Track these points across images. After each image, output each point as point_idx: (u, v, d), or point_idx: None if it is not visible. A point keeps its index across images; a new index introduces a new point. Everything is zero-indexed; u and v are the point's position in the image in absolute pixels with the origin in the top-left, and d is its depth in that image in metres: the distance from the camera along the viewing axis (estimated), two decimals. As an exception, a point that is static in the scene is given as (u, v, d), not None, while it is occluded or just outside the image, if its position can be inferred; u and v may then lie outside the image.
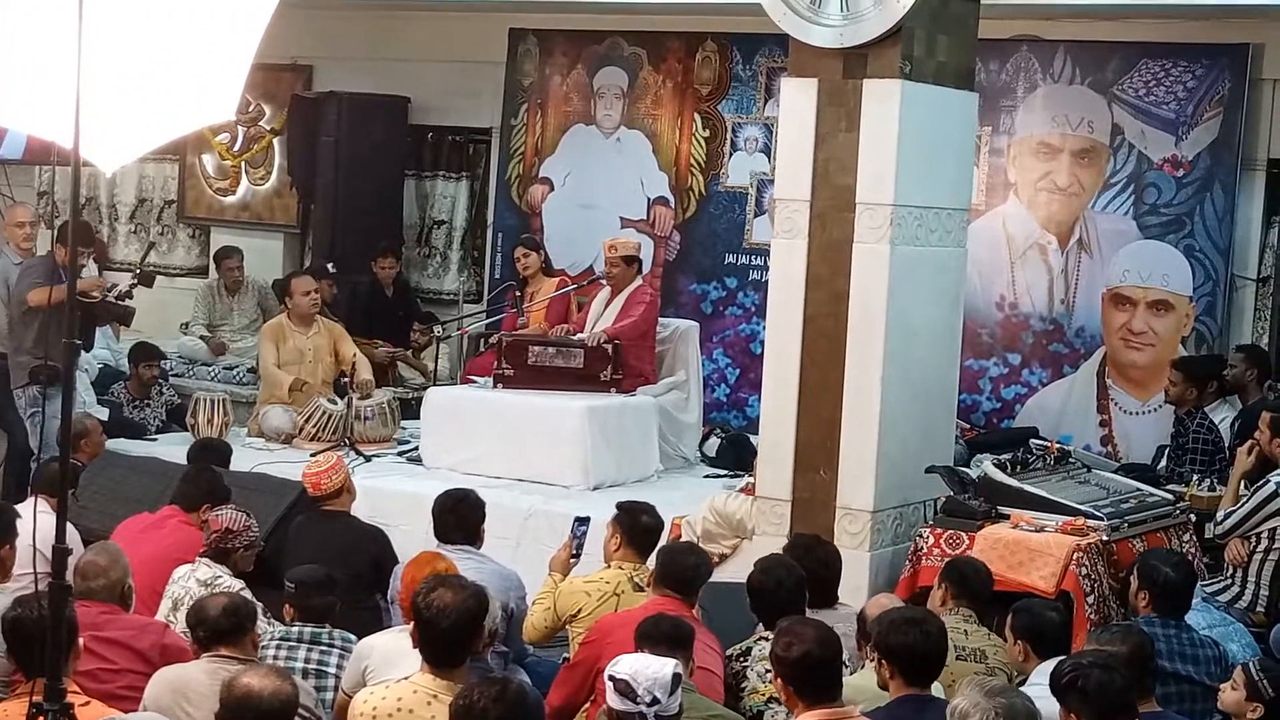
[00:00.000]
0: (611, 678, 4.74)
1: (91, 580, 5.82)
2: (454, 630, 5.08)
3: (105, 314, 10.37)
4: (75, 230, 4.49)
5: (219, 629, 5.43)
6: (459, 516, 7.09)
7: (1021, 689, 5.67)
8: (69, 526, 4.46)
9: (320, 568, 6.41)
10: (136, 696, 5.43)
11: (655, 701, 4.71)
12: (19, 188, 10.47)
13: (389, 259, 12.34)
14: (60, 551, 4.24)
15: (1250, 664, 5.71)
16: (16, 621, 5.11)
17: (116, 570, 5.89)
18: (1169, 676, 6.16)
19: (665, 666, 4.80)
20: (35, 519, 4.59)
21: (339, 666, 6.05)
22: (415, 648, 5.15)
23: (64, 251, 9.77)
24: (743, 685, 5.99)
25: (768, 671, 5.85)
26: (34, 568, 4.39)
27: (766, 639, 5.98)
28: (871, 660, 5.86)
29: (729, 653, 6.13)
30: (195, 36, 4.11)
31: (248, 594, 6.48)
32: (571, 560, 7.16)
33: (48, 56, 4.03)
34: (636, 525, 6.90)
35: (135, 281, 10.30)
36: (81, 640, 5.10)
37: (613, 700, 4.75)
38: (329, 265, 12.16)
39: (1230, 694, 5.68)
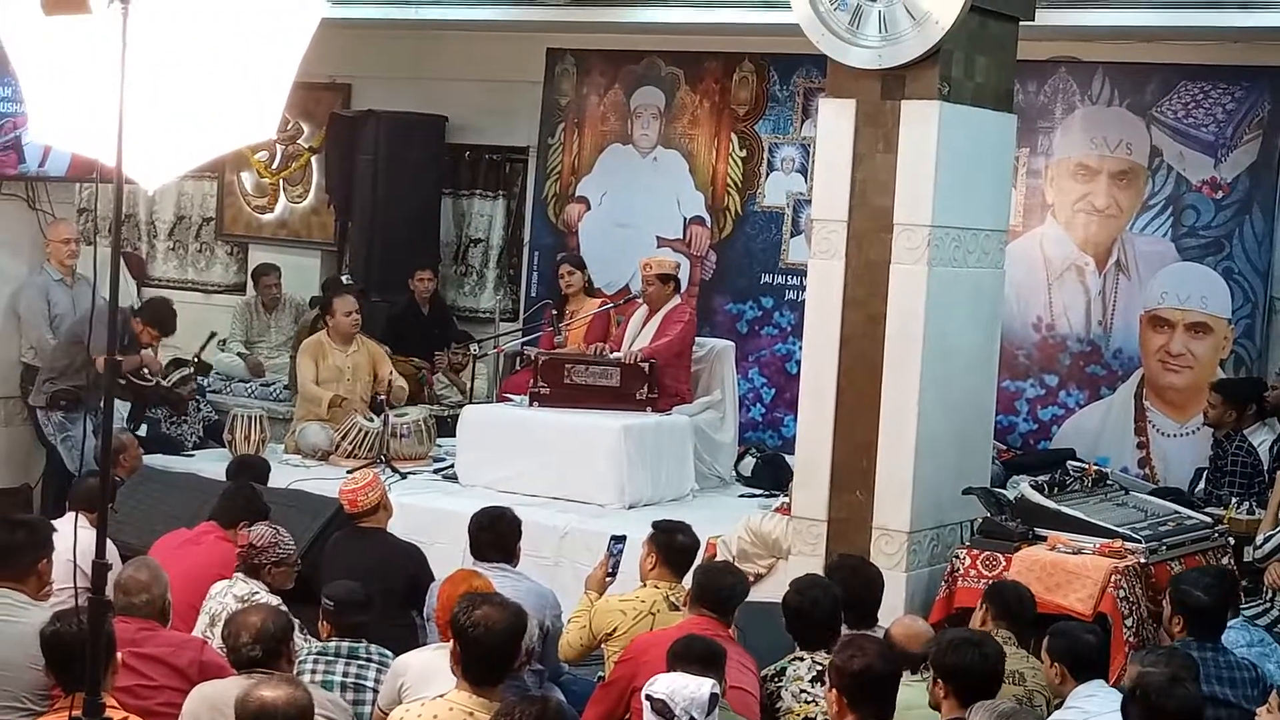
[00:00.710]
0: (649, 697, 4.74)
1: (135, 596, 5.84)
2: (499, 648, 5.09)
3: (156, 399, 10.42)
4: (116, 246, 4.53)
5: (252, 658, 5.43)
6: (495, 535, 7.11)
7: (1058, 712, 5.68)
8: (108, 542, 4.49)
9: (359, 586, 6.42)
10: (174, 713, 5.44)
11: (692, 721, 4.72)
12: (59, 204, 10.49)
13: (426, 273, 12.38)
14: (100, 567, 4.27)
15: None
16: (56, 636, 5.14)
17: (159, 586, 5.91)
18: (1206, 700, 6.12)
19: (703, 686, 4.80)
20: (75, 534, 4.61)
21: (377, 680, 6.05)
22: (455, 665, 5.14)
23: (143, 328, 10.07)
24: (778, 705, 5.98)
25: (802, 692, 5.87)
26: (74, 583, 4.42)
27: (801, 659, 5.99)
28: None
29: (764, 673, 6.12)
30: (237, 57, 4.15)
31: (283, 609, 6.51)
32: (607, 579, 7.16)
33: (92, 77, 4.07)
34: (672, 545, 6.91)
35: (192, 371, 10.28)
36: (120, 655, 5.11)
37: (650, 720, 4.75)
38: (344, 279, 12.20)
39: (1267, 718, 5.64)
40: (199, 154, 4.32)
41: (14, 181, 10.17)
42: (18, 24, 4.15)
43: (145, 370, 10.15)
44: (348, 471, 9.25)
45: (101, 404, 4.77)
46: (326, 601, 6.29)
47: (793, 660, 6.09)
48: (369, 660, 6.14)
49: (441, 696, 5.13)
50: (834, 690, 5.12)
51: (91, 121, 4.11)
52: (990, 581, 7.12)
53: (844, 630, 6.17)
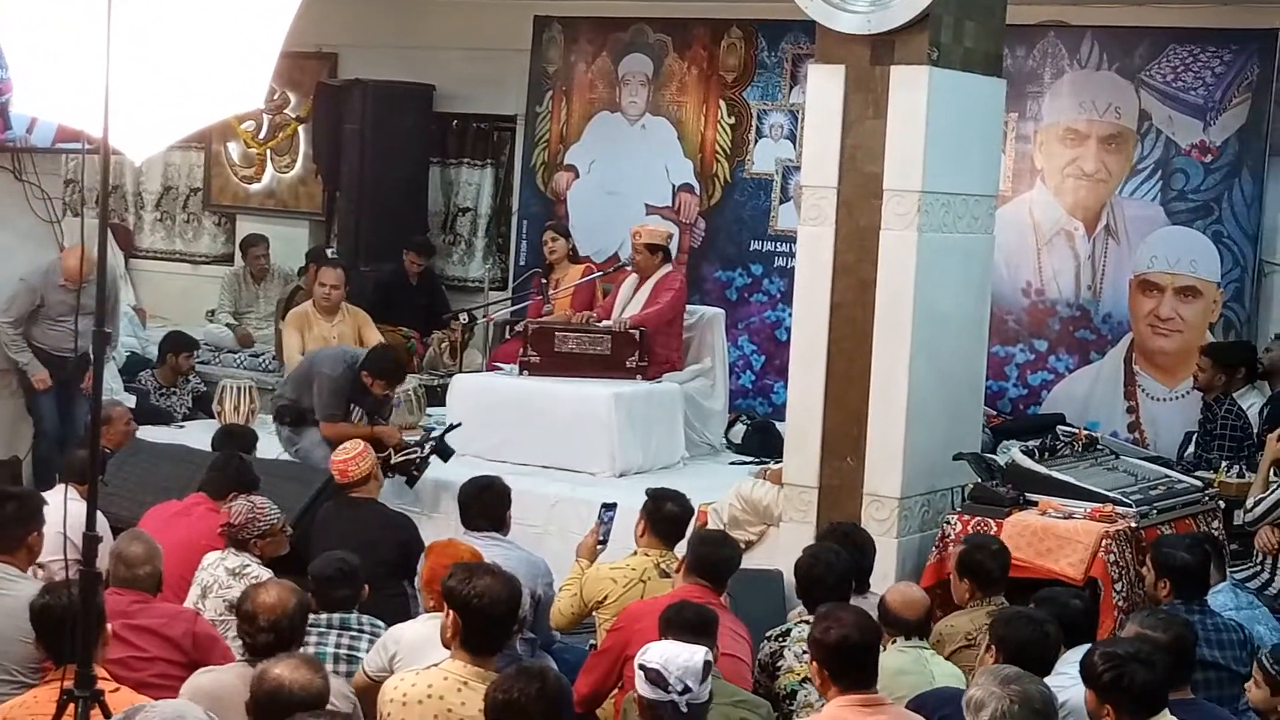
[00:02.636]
0: (642, 667, 4.74)
1: (138, 568, 5.83)
2: (501, 618, 5.08)
3: (390, 472, 9.13)
4: (104, 219, 4.49)
5: (266, 644, 5.34)
6: (484, 504, 7.12)
7: (1045, 678, 5.69)
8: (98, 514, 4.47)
9: (344, 558, 6.37)
10: (167, 685, 5.43)
11: (686, 690, 4.71)
12: (45, 175, 10.43)
13: (421, 259, 12.30)
14: (90, 539, 4.25)
15: (1262, 657, 5.67)
16: (45, 608, 5.12)
17: (158, 558, 5.91)
18: (1195, 664, 6.13)
19: (696, 654, 4.80)
20: (65, 506, 4.60)
21: (368, 651, 6.05)
22: (452, 636, 5.11)
23: (373, 381, 9.09)
24: (779, 664, 6.03)
25: (804, 652, 5.88)
26: (64, 555, 4.41)
27: (808, 622, 6.00)
28: (893, 643, 5.90)
29: (769, 633, 6.15)
30: (224, 24, 4.11)
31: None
32: (598, 546, 7.17)
33: (77, 45, 4.03)
34: (659, 513, 6.92)
35: (432, 451, 9.20)
36: (110, 627, 5.10)
37: (643, 689, 4.74)
38: (329, 251, 12.14)
39: (1256, 693, 5.63)
40: (186, 124, 4.28)
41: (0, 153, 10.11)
42: (2, -7, 4.11)
43: (382, 440, 9.09)
44: (337, 442, 9.25)
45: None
46: (311, 580, 6.26)
47: (799, 623, 6.13)
48: (360, 631, 6.13)
49: (436, 665, 5.12)
50: (814, 663, 5.13)
51: (77, 91, 4.08)
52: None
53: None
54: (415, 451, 9.16)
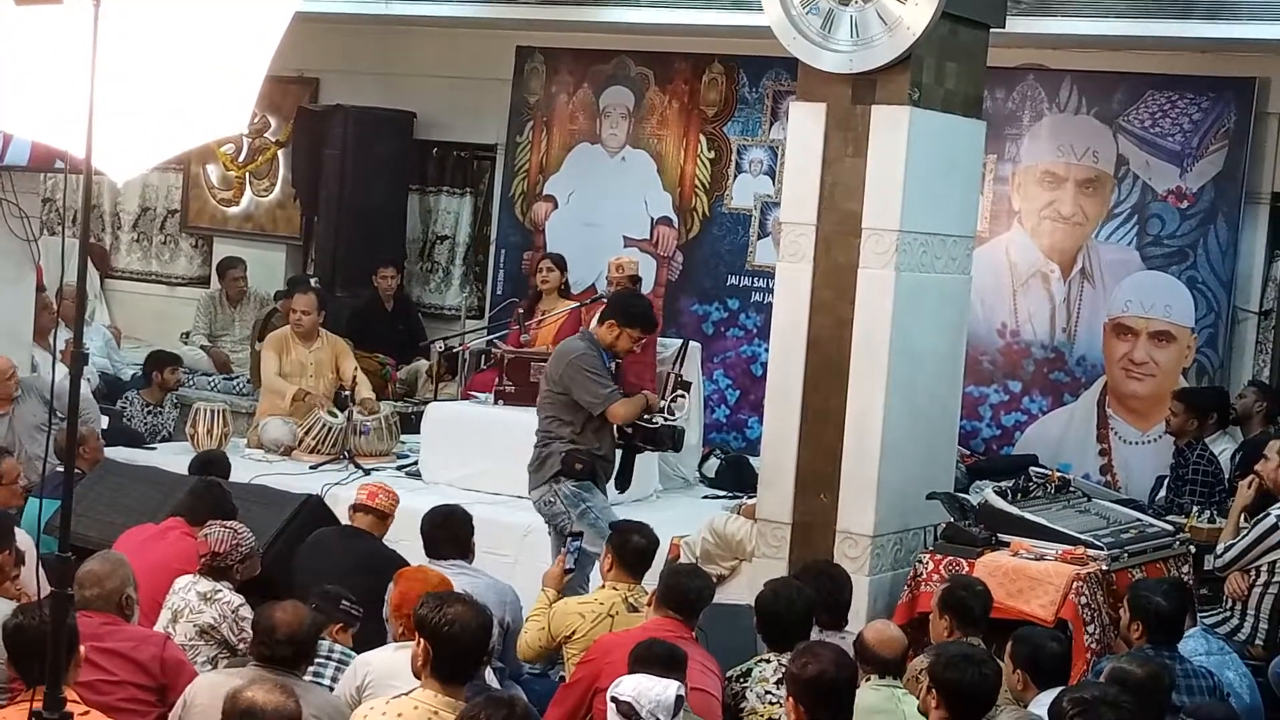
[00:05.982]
0: (615, 699, 4.74)
1: (87, 589, 5.73)
2: (472, 646, 5.07)
3: (659, 439, 8.25)
4: (84, 240, 4.49)
5: (282, 657, 5.37)
6: (448, 531, 7.09)
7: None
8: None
9: (345, 591, 6.38)
10: (136, 709, 5.41)
11: (657, 723, 4.72)
12: (24, 194, 10.40)
13: (390, 270, 12.35)
14: (62, 560, 4.24)
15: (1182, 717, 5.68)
16: (18, 629, 5.09)
17: (114, 580, 5.81)
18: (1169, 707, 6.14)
19: (668, 689, 4.80)
20: (39, 527, 4.58)
21: (334, 679, 6.00)
22: (423, 665, 5.10)
23: (620, 331, 8.09)
24: (742, 706, 6.00)
25: (767, 693, 5.87)
26: (36, 577, 4.39)
27: (768, 660, 5.99)
28: (867, 681, 5.89)
29: (729, 674, 6.13)
30: (210, 50, 4.12)
31: (246, 610, 6.44)
32: (565, 576, 7.15)
33: (62, 67, 4.04)
34: (627, 545, 6.89)
35: (678, 392, 8.43)
36: (82, 649, 5.07)
37: (615, 722, 4.74)
38: (312, 280, 12.17)
39: None
40: (169, 147, 4.29)
41: (-23, 172, 10.07)
42: (-12, 14, 4.11)
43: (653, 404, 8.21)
44: (310, 467, 9.22)
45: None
46: (316, 596, 6.23)
47: (759, 661, 6.10)
48: (328, 659, 6.07)
49: (406, 695, 5.11)
50: (790, 698, 5.12)
51: (61, 112, 4.08)
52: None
53: (815, 632, 6.18)
54: (676, 395, 8.44)
